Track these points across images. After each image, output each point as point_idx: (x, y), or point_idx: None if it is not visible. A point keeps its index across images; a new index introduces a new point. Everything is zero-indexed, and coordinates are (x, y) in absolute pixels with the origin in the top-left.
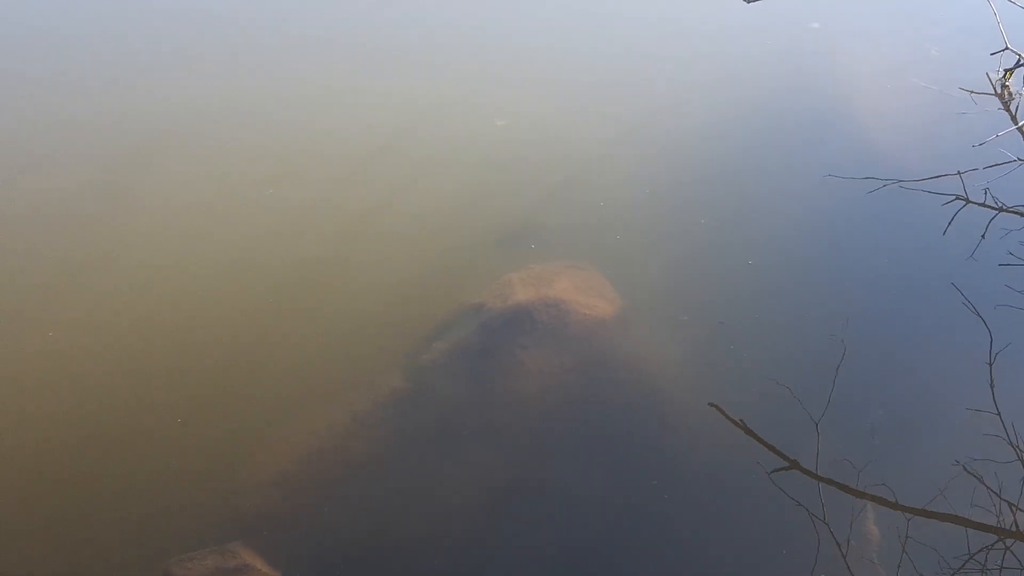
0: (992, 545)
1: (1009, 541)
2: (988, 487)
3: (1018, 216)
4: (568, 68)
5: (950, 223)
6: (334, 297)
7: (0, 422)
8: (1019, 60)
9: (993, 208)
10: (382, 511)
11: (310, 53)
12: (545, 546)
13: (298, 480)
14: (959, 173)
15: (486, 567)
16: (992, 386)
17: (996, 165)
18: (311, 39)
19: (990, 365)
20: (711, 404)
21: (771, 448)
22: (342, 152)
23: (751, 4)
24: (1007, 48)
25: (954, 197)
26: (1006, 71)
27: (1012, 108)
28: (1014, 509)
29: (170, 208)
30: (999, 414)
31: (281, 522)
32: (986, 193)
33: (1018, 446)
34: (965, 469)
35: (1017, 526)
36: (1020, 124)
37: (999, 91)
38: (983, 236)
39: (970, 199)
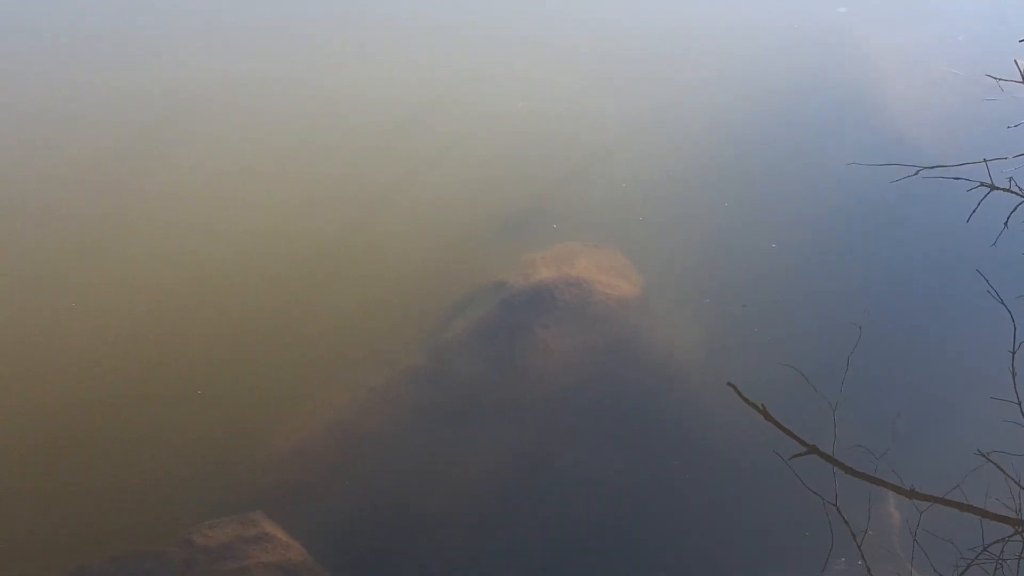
0: (1009, 537)
1: None
2: (1011, 477)
3: None
4: (591, 49)
5: (975, 210)
6: (355, 272)
7: (24, 387)
8: None
9: (1019, 195)
10: (400, 486)
11: (337, 29)
12: (563, 524)
13: (317, 453)
14: (984, 160)
15: (503, 544)
16: (1014, 375)
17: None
18: (339, 15)
19: (1012, 354)
20: (729, 384)
21: (789, 433)
22: (366, 128)
23: None
24: None
25: (978, 184)
26: None
27: None
28: None
29: (194, 178)
30: (1020, 403)
31: (301, 493)
32: (1011, 181)
33: None
34: (986, 458)
35: None
36: None
37: None
38: (1006, 224)
39: (996, 186)
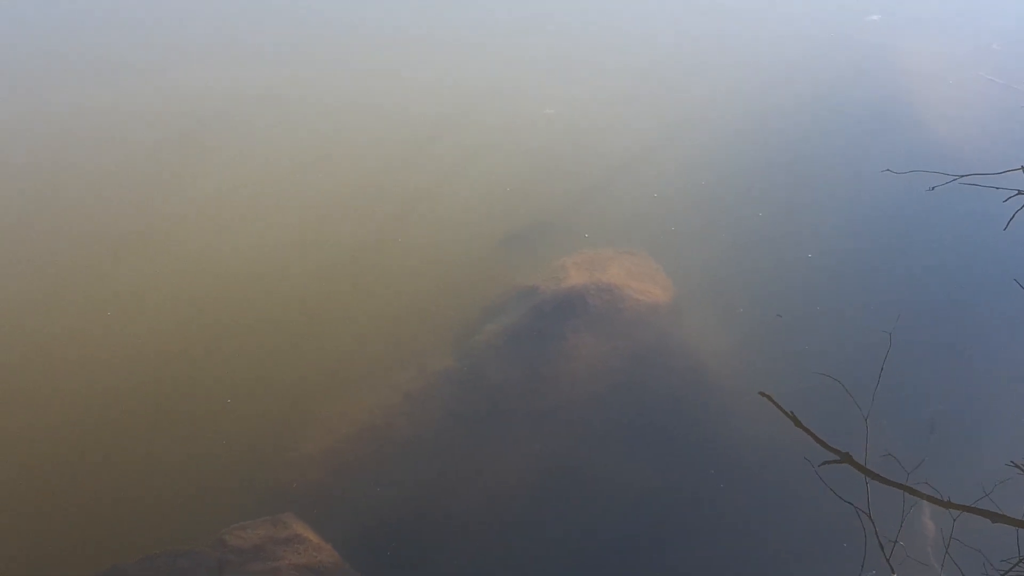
0: None
1: None
2: None
3: None
4: (620, 59)
5: (1012, 219)
6: (386, 278)
7: (63, 392)
8: None
9: None
10: (430, 489)
11: (367, 40)
12: (592, 529)
13: (349, 455)
14: (1023, 168)
15: (532, 548)
16: None
17: None
18: (367, 23)
19: None
20: (761, 393)
21: (821, 442)
22: (395, 137)
23: None
24: None
25: (1016, 192)
26: None
27: None
28: None
29: (226, 188)
30: None
31: (332, 496)
32: None
33: None
34: (1020, 469)
35: None
36: None
37: None
38: None
39: None
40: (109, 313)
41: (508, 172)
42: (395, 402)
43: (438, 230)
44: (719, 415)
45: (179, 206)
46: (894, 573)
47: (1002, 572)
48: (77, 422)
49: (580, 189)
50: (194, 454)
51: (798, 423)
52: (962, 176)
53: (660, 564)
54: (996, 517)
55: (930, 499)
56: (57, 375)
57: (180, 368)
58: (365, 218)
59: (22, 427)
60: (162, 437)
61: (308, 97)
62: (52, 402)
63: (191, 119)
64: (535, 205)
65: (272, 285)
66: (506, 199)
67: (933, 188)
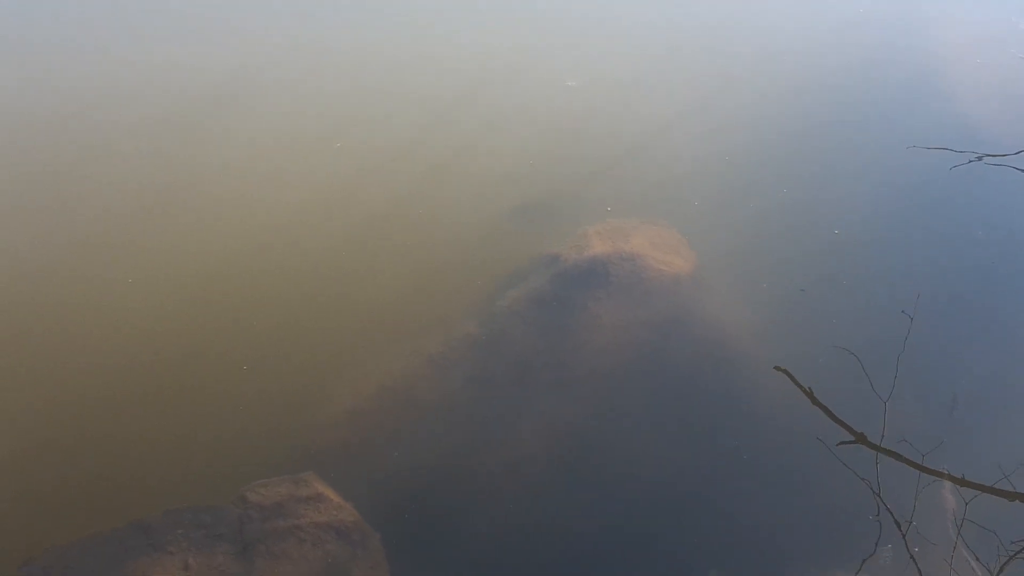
0: None
1: None
2: None
3: None
4: (645, 30)
5: None
6: (410, 241)
7: (87, 349)
8: None
9: None
10: (451, 451)
11: (386, 8)
12: (611, 497)
13: (370, 417)
14: None
15: (552, 512)
16: None
17: None
18: None
19: None
20: (777, 368)
21: (837, 420)
22: (420, 103)
23: None
24: None
25: None
26: None
27: None
28: None
29: (251, 147)
30: None
31: (353, 456)
32: None
33: None
34: None
35: None
36: None
37: None
38: None
39: None
40: (130, 281)
41: (530, 144)
42: (418, 366)
43: (460, 199)
44: (739, 387)
45: (205, 170)
46: (910, 548)
47: (1014, 552)
48: (100, 377)
49: (603, 161)
50: (217, 413)
51: (814, 400)
52: (985, 155)
53: (679, 533)
54: (1013, 496)
55: (945, 476)
56: (83, 341)
57: (204, 329)
58: (388, 186)
59: (54, 385)
60: (186, 396)
61: (327, 68)
62: (78, 364)
63: (214, 87)
64: (557, 177)
65: (295, 250)
66: (528, 170)
67: (956, 166)
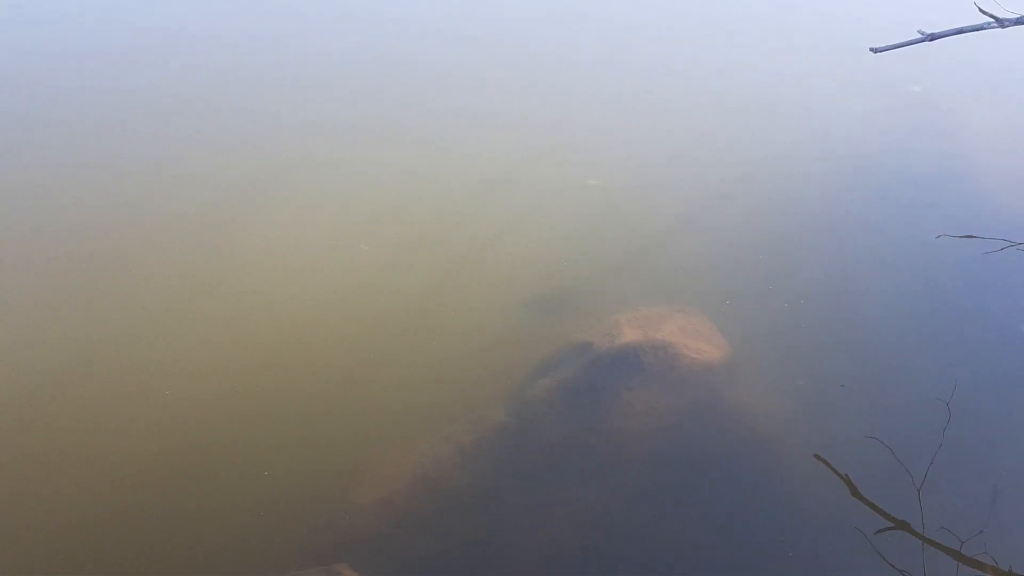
0: None
1: None
2: None
3: None
4: (664, 121)
5: None
6: (440, 331)
7: (122, 433)
8: None
9: None
10: (482, 542)
11: (417, 103)
12: None
13: (402, 507)
14: None
15: None
16: None
17: None
18: (414, 88)
19: None
20: (816, 456)
21: (875, 508)
22: (447, 196)
23: (879, 54)
24: None
25: None
26: None
27: None
28: None
29: (281, 241)
30: None
31: (385, 548)
32: None
33: None
34: None
35: None
36: None
37: None
38: None
39: None
40: (167, 392)
41: (555, 238)
42: (448, 454)
43: (486, 291)
44: (772, 475)
45: (232, 257)
46: None
47: None
48: (137, 470)
49: (630, 252)
50: (250, 503)
51: (853, 489)
52: (1018, 244)
53: None
54: None
55: (988, 568)
56: (117, 425)
57: (239, 414)
58: (416, 277)
59: (83, 475)
60: (219, 487)
61: (355, 164)
62: (109, 451)
63: (247, 172)
64: (584, 267)
65: (328, 337)
66: (555, 262)
67: (988, 253)
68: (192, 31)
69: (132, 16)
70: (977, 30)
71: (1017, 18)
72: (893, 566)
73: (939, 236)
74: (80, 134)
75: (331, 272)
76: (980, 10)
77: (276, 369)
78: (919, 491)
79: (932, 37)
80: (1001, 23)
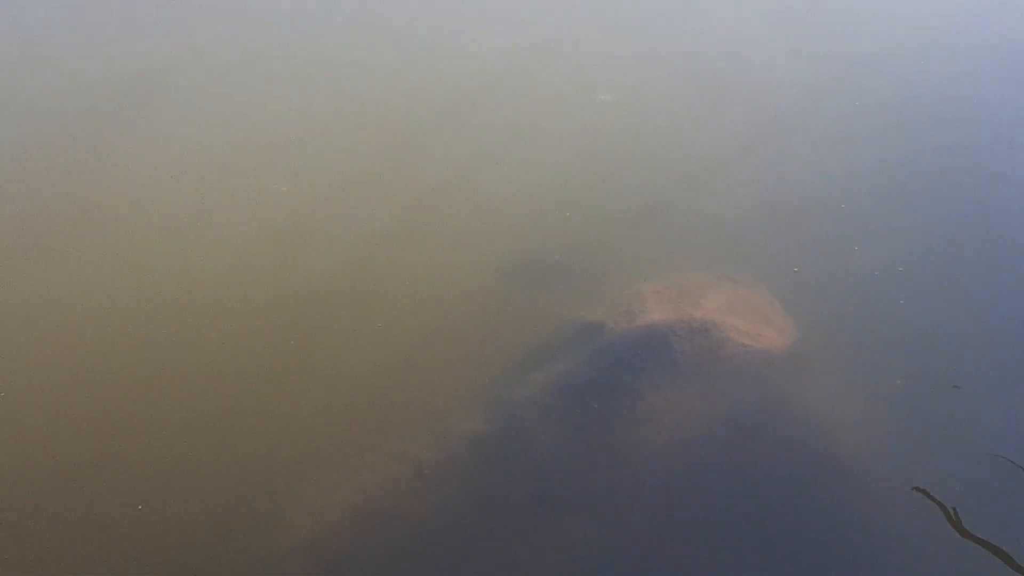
0: None
1: None
2: None
3: None
4: (699, 39)
5: None
6: (391, 300)
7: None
8: None
9: None
10: None
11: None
12: None
13: (343, 548)
14: None
15: None
16: None
17: None
18: None
19: None
20: (916, 489)
21: (996, 551)
22: (409, 112)
23: None
24: None
25: None
26: None
27: None
28: None
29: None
30: None
31: None
32: None
33: None
34: None
35: None
36: None
37: None
38: None
39: None
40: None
41: (554, 171)
42: (402, 477)
43: (466, 238)
44: (855, 513)
45: (106, 202)
46: None
47: None
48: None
49: (657, 194)
50: (114, 556)
51: (960, 527)
52: None
53: None
54: None
55: None
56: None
57: (143, 426)
58: (362, 222)
59: None
60: (115, 506)
61: (339, 60)
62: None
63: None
64: (594, 215)
65: (222, 310)
66: (552, 208)
67: None
68: None
69: None
70: None
71: None
72: None
73: None
74: None
75: (240, 218)
76: None
77: (146, 365)
78: None
79: None
80: None
